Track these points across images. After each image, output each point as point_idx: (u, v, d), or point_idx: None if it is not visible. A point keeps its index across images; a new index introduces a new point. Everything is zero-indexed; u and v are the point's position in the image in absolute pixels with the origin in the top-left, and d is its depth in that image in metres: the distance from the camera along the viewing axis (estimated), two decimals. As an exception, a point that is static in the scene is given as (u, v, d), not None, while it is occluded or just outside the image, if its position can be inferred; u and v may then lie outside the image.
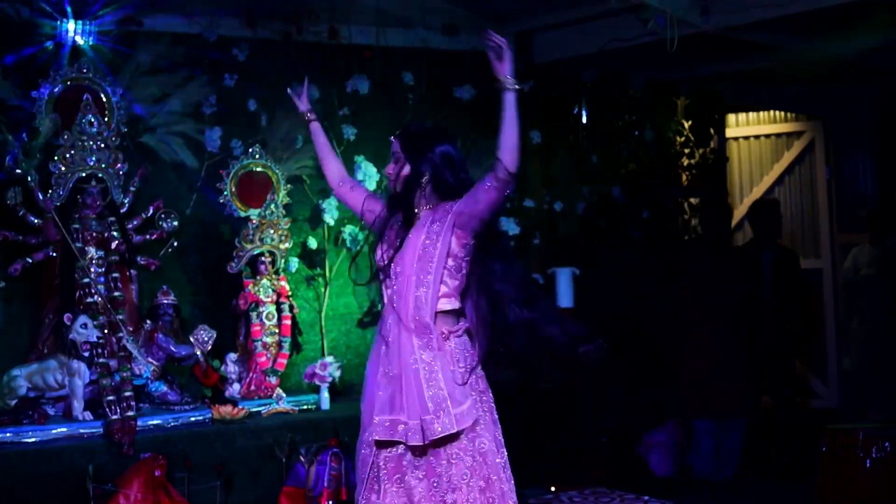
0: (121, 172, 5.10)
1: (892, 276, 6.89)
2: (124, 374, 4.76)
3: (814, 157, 8.20)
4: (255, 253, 5.41)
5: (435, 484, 3.18)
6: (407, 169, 3.33)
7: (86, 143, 4.96)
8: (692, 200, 7.72)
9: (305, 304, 5.89)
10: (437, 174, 3.31)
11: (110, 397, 4.64)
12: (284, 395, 5.28)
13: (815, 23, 5.77)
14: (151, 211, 5.26)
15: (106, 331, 4.81)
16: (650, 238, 7.31)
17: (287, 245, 5.53)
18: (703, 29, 5.73)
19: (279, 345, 5.43)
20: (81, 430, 4.60)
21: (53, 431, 4.55)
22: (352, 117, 6.03)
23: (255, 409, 5.14)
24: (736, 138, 8.52)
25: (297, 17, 5.77)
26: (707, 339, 6.19)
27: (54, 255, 4.95)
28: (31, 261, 4.91)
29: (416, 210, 3.33)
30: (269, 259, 5.44)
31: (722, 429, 6.21)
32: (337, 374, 5.42)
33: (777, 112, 8.42)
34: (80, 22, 5.13)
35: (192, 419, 4.90)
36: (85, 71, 5.11)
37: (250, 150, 5.54)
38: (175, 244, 5.34)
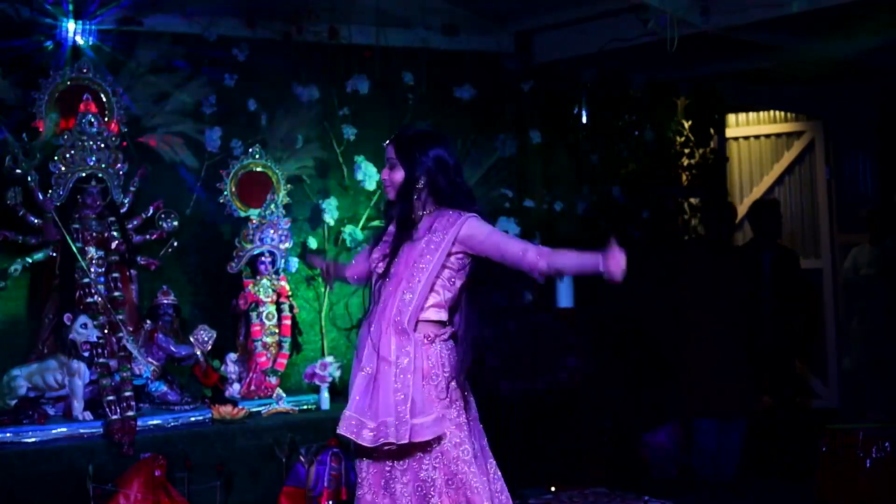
0: (121, 172, 5.10)
1: (892, 276, 6.89)
2: (124, 374, 4.76)
3: (814, 157, 8.19)
4: (255, 253, 5.41)
5: (419, 489, 3.18)
6: (401, 174, 3.30)
7: (86, 143, 4.96)
8: (692, 200, 7.72)
9: (305, 304, 5.89)
10: (431, 179, 3.27)
11: (110, 397, 4.64)
12: (284, 395, 5.28)
13: (815, 23, 5.76)
14: (151, 211, 5.26)
15: (106, 331, 4.81)
16: (650, 238, 7.31)
17: (287, 245, 5.53)
18: (703, 29, 5.73)
19: (279, 345, 5.43)
20: (81, 430, 4.60)
21: (53, 431, 4.55)
22: (352, 117, 6.03)
23: (255, 409, 5.14)
24: (736, 138, 8.52)
25: (297, 17, 5.76)
26: (707, 339, 6.20)
27: (54, 255, 4.95)
28: (31, 261, 4.91)
29: (413, 215, 3.31)
30: (269, 259, 5.44)
31: (722, 429, 6.21)
32: (337, 374, 5.42)
33: (777, 112, 8.42)
34: (80, 22, 5.13)
35: (192, 419, 4.90)
36: (85, 71, 5.11)
37: (250, 150, 5.54)
38: (175, 244, 5.34)
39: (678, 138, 7.67)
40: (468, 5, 6.15)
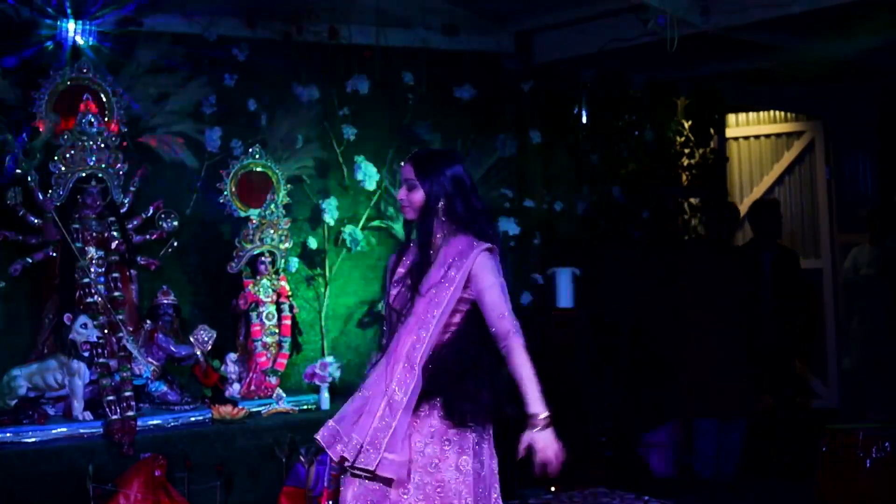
0: (121, 172, 5.10)
1: (892, 276, 6.89)
2: (124, 374, 4.76)
3: (814, 157, 8.20)
4: (255, 253, 5.41)
5: None
6: (421, 195, 3.25)
7: (86, 143, 4.96)
8: (692, 200, 7.72)
9: (305, 304, 5.89)
10: (449, 200, 3.23)
11: (110, 397, 4.64)
12: (284, 395, 5.28)
13: (815, 23, 5.76)
14: (151, 211, 5.26)
15: (106, 331, 4.81)
16: (650, 238, 7.31)
17: (287, 245, 5.53)
18: (703, 29, 5.73)
19: (279, 345, 5.43)
20: (81, 430, 4.60)
21: (53, 431, 4.55)
22: (352, 117, 6.03)
23: (255, 409, 5.15)
24: (736, 138, 8.52)
25: (297, 17, 5.76)
26: (707, 339, 6.20)
27: (54, 255, 4.95)
28: (31, 261, 4.91)
29: (433, 238, 3.25)
30: (269, 259, 5.44)
31: (722, 429, 6.21)
32: (337, 374, 5.42)
33: (777, 112, 8.42)
34: (80, 22, 5.13)
35: (192, 419, 4.90)
36: (85, 71, 5.10)
37: (250, 150, 5.54)
38: (175, 244, 5.34)
39: (678, 138, 7.67)
40: (468, 5, 6.15)
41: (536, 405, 3.08)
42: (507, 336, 3.12)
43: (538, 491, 5.78)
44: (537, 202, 6.76)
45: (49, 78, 5.02)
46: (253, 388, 5.36)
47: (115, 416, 4.58)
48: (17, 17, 4.99)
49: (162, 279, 5.32)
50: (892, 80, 7.34)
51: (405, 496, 3.14)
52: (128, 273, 5.16)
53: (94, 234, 4.99)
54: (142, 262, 5.23)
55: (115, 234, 5.02)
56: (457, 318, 3.20)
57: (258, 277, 5.41)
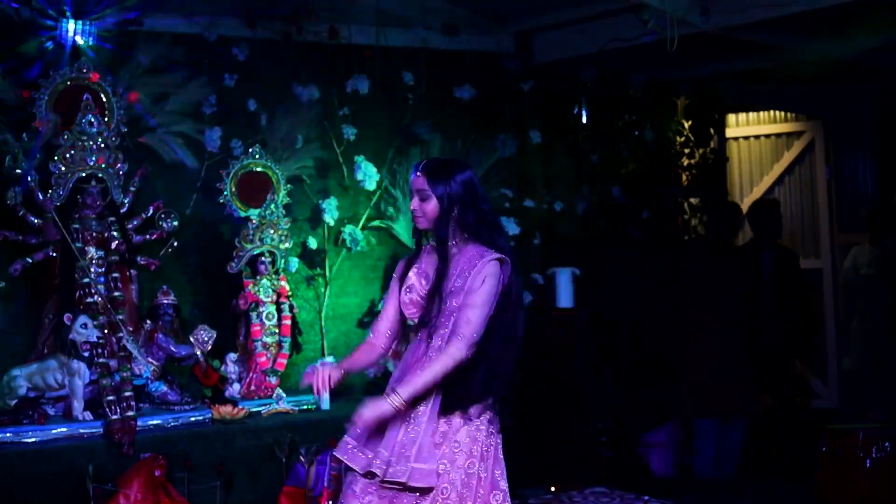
0: (121, 172, 5.10)
1: (892, 276, 6.89)
2: (124, 374, 4.76)
3: (814, 157, 8.20)
4: (255, 253, 5.41)
5: None
6: (434, 204, 3.24)
7: (86, 143, 4.96)
8: (692, 200, 7.72)
9: (305, 304, 5.89)
10: (462, 210, 3.22)
11: (110, 397, 4.63)
12: (284, 395, 5.28)
13: (815, 23, 5.77)
14: (151, 211, 5.25)
15: (106, 331, 4.81)
16: (650, 238, 7.31)
17: (287, 245, 5.53)
18: (703, 29, 5.73)
19: (279, 345, 5.43)
20: (81, 430, 4.59)
21: (53, 431, 4.55)
22: (352, 117, 6.03)
23: (255, 409, 5.14)
24: (736, 138, 8.52)
25: (297, 17, 5.76)
26: (707, 339, 6.20)
27: (54, 255, 4.94)
28: (31, 261, 4.91)
29: (448, 247, 3.24)
30: (269, 259, 5.44)
31: (722, 429, 6.21)
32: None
33: (777, 112, 8.42)
34: (80, 22, 5.13)
35: (192, 419, 4.90)
36: (85, 71, 5.10)
37: (250, 150, 5.54)
38: (175, 244, 5.34)
39: (678, 138, 7.67)
40: (468, 5, 6.15)
41: (404, 389, 3.10)
42: (455, 339, 3.11)
43: (538, 491, 5.78)
44: (537, 202, 6.76)
45: (49, 78, 5.02)
46: (253, 388, 5.36)
47: (115, 416, 4.58)
48: (17, 17, 4.99)
49: (162, 279, 5.32)
50: (892, 80, 7.34)
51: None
52: (128, 273, 5.16)
53: (94, 234, 4.99)
54: (142, 262, 5.22)
55: (115, 234, 5.02)
56: None
57: (258, 277, 5.41)
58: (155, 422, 4.78)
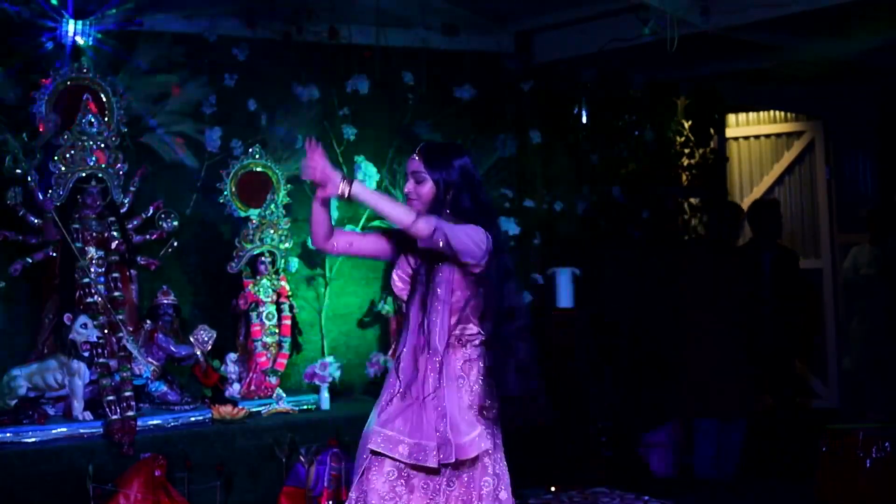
0: (121, 172, 5.10)
1: (892, 276, 6.89)
2: (124, 374, 4.76)
3: (814, 157, 8.19)
4: (255, 253, 5.41)
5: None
6: (429, 187, 3.25)
7: (86, 143, 4.96)
8: (692, 200, 7.72)
9: (305, 304, 5.89)
10: (457, 194, 3.23)
11: (110, 397, 4.64)
12: (284, 395, 5.28)
13: (815, 23, 5.77)
14: (151, 211, 5.26)
15: (106, 331, 4.81)
16: (650, 238, 7.31)
17: (287, 245, 5.53)
18: (703, 29, 5.73)
19: (279, 345, 5.43)
20: (81, 430, 4.60)
21: (53, 431, 4.55)
22: (352, 117, 6.03)
23: (255, 409, 5.15)
24: (736, 138, 8.52)
25: (297, 17, 5.76)
26: (707, 339, 6.19)
27: (54, 255, 4.95)
28: (31, 261, 4.91)
29: None
30: (269, 259, 5.44)
31: (722, 429, 6.21)
32: (337, 374, 5.42)
33: (777, 112, 8.42)
34: (80, 22, 5.13)
35: (192, 419, 4.90)
36: (85, 71, 5.10)
37: (250, 150, 5.54)
38: (175, 244, 5.34)
39: (678, 138, 7.67)
40: (468, 5, 6.15)
41: (360, 185, 3.08)
42: (428, 220, 3.06)
43: (538, 491, 5.78)
44: (537, 202, 6.76)
45: (49, 78, 5.02)
46: (253, 388, 5.36)
47: (115, 416, 4.58)
48: (17, 17, 4.99)
49: (162, 279, 5.32)
50: (892, 80, 7.34)
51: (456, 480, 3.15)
52: (128, 273, 5.16)
53: (94, 234, 4.99)
54: (142, 262, 5.23)
55: (115, 234, 5.02)
56: (459, 296, 3.19)
57: (258, 277, 5.41)
58: (155, 422, 4.78)
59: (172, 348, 5.09)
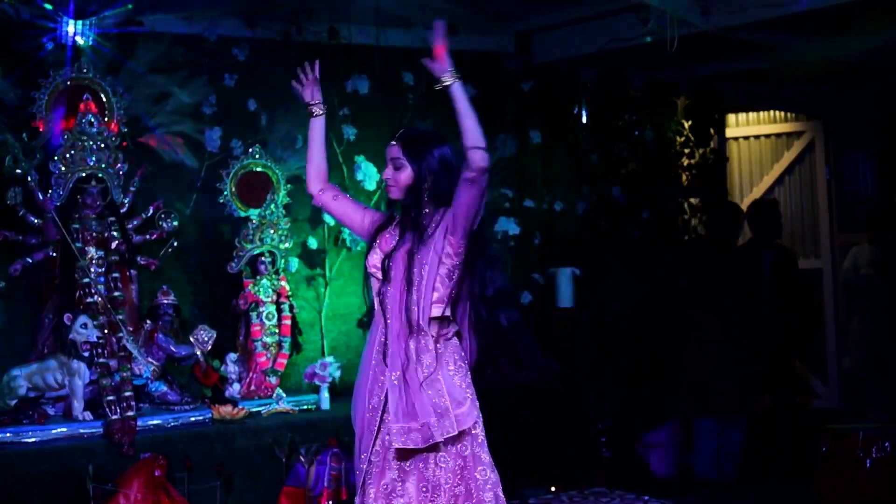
0: (121, 172, 5.10)
1: (891, 276, 6.89)
2: (124, 374, 4.76)
3: (814, 157, 8.20)
4: (255, 253, 5.41)
5: (423, 489, 3.17)
6: (408, 174, 3.28)
7: (86, 143, 4.96)
8: (692, 200, 7.72)
9: (305, 304, 5.89)
10: (436, 180, 3.27)
11: (110, 397, 4.64)
12: (284, 395, 5.28)
13: (815, 23, 5.77)
14: (151, 211, 5.26)
15: (106, 331, 4.81)
16: (650, 238, 7.31)
17: (287, 245, 5.53)
18: (703, 29, 5.73)
19: (279, 345, 5.43)
20: (81, 430, 4.60)
21: (53, 431, 4.55)
22: (352, 117, 6.03)
23: (255, 409, 5.14)
24: (736, 138, 8.52)
25: (297, 17, 5.76)
26: (707, 339, 6.20)
27: (54, 255, 4.95)
28: (31, 261, 4.91)
29: (422, 216, 3.27)
30: (269, 259, 5.44)
31: (722, 429, 6.21)
32: (337, 374, 5.42)
33: (777, 112, 8.42)
34: (80, 22, 5.13)
35: (192, 419, 4.90)
36: (85, 71, 5.10)
37: (250, 150, 5.54)
38: (175, 244, 5.34)
39: (678, 138, 7.67)
40: (468, 5, 6.15)
41: (459, 86, 3.22)
42: (469, 162, 3.21)
43: (538, 491, 5.78)
44: (537, 202, 6.76)
45: (49, 78, 5.02)
46: (253, 388, 5.36)
47: (115, 416, 4.58)
48: (17, 17, 4.99)
49: (162, 279, 5.32)
50: (892, 80, 7.34)
51: (444, 462, 3.16)
52: (128, 273, 5.16)
53: (94, 234, 4.99)
54: (142, 262, 5.23)
55: (115, 234, 5.02)
56: (444, 271, 3.22)
57: (258, 277, 5.41)
58: (155, 422, 4.78)
59: (172, 348, 5.09)
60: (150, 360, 5.03)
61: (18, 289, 5.05)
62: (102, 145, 5.00)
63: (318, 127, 3.54)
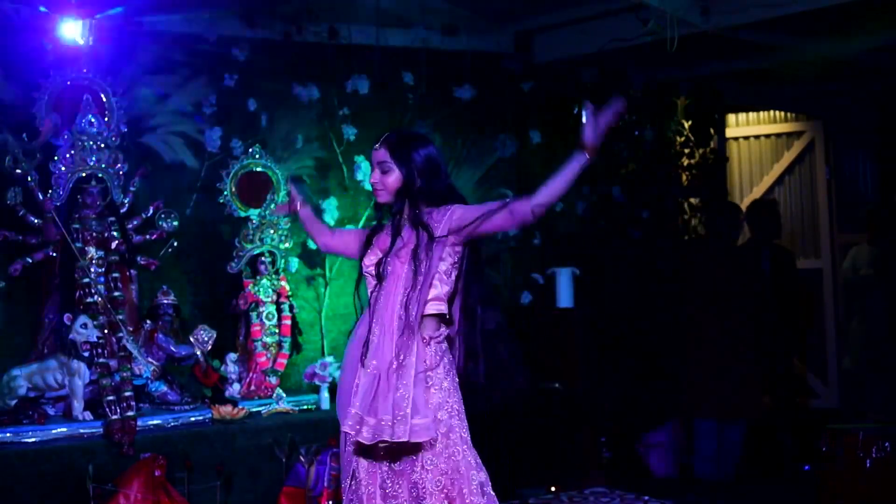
0: (121, 172, 5.10)
1: (891, 276, 6.89)
2: (124, 374, 4.76)
3: (814, 157, 8.20)
4: (255, 253, 5.41)
5: (413, 493, 3.17)
6: (396, 176, 3.28)
7: (86, 143, 4.96)
8: (692, 200, 7.72)
9: (305, 304, 5.89)
10: (426, 181, 3.27)
11: (110, 397, 4.64)
12: (284, 395, 5.28)
13: (815, 23, 5.77)
14: (151, 211, 5.26)
15: (106, 331, 4.81)
16: (650, 238, 7.30)
17: (287, 245, 5.53)
18: (703, 29, 5.73)
19: (279, 345, 5.43)
20: (81, 430, 4.60)
21: (53, 431, 4.55)
22: (352, 117, 6.03)
23: (255, 409, 5.15)
24: (736, 138, 8.52)
25: (297, 17, 5.76)
26: (707, 339, 6.19)
27: (54, 255, 4.95)
28: (31, 261, 4.91)
29: (410, 217, 3.28)
30: (269, 259, 5.44)
31: (722, 429, 6.21)
32: (337, 374, 5.42)
33: (777, 112, 8.42)
34: (80, 22, 5.12)
35: (192, 419, 4.90)
36: (85, 71, 5.10)
37: (250, 150, 5.54)
38: (175, 244, 5.34)
39: (678, 138, 7.67)
40: (468, 5, 6.15)
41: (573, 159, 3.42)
42: (524, 204, 3.40)
43: (538, 491, 5.78)
44: (537, 202, 6.74)
45: (49, 78, 5.02)
46: (253, 388, 5.36)
47: (115, 416, 4.58)
48: (17, 17, 4.98)
49: (162, 279, 5.32)
50: (892, 80, 7.34)
51: (430, 465, 3.15)
52: (128, 273, 5.16)
53: (94, 234, 4.99)
54: (142, 262, 5.23)
55: (115, 234, 5.02)
56: (443, 268, 3.22)
57: (258, 277, 5.41)
58: (155, 422, 4.78)
59: (172, 348, 5.09)
60: (150, 360, 5.04)
61: (18, 289, 5.05)
62: (102, 145, 5.00)
63: (307, 214, 3.68)
